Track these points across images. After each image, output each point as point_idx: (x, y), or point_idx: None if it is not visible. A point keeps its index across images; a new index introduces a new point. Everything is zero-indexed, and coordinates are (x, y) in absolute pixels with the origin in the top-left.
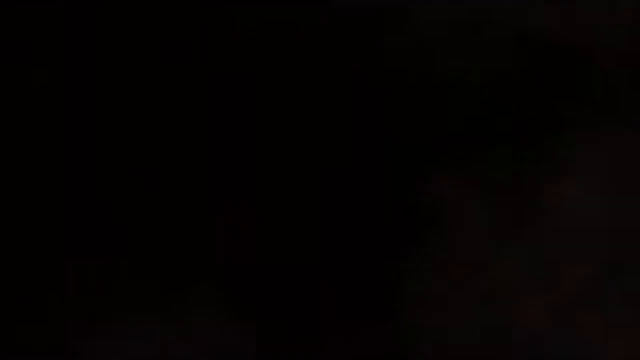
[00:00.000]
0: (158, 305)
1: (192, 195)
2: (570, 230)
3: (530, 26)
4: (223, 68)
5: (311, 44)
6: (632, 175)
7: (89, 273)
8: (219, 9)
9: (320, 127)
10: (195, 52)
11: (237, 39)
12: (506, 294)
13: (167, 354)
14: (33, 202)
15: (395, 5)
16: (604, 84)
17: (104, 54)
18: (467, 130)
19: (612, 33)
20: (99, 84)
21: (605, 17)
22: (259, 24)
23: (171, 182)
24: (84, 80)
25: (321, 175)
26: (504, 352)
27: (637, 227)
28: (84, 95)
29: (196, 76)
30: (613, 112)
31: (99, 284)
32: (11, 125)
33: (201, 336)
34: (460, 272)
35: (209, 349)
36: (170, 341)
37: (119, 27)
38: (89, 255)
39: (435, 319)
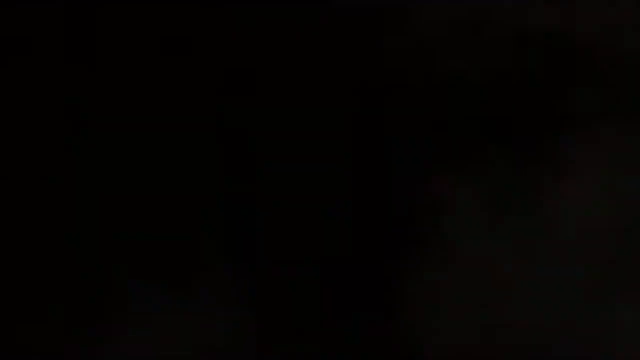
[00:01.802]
0: (157, 305)
1: (191, 195)
2: (570, 230)
3: (530, 26)
4: (223, 68)
5: (311, 44)
6: (632, 175)
7: (89, 273)
8: (219, 9)
9: (320, 127)
10: (196, 52)
11: (237, 39)
12: (506, 293)
13: (167, 354)
14: (33, 202)
15: (395, 5)
16: (604, 84)
17: (104, 54)
18: (467, 130)
19: (612, 33)
20: (98, 84)
21: (605, 17)
22: (259, 24)
23: (171, 182)
24: (84, 80)
25: (321, 174)
26: (504, 352)
27: (637, 227)
28: (84, 94)
29: (197, 76)
30: (613, 112)
31: (99, 284)
32: (11, 125)
33: (201, 335)
34: (460, 272)
35: (208, 348)
36: (170, 341)
37: (119, 27)
38: (89, 255)
39: (435, 319)
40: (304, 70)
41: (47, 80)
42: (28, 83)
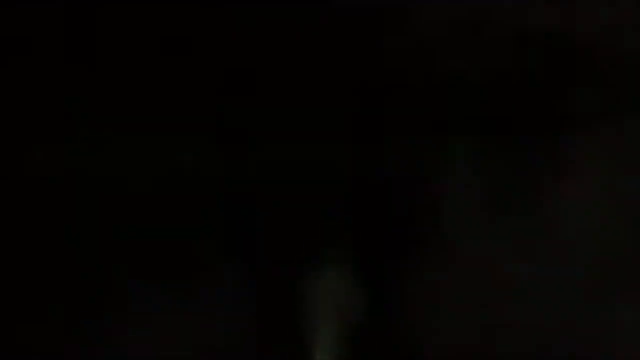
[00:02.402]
0: (157, 305)
1: (191, 196)
2: (570, 230)
3: (530, 26)
4: (223, 68)
5: (311, 44)
6: (632, 175)
7: (89, 273)
8: (219, 9)
9: (320, 126)
10: (196, 52)
11: (237, 39)
12: (506, 293)
13: (167, 354)
14: (33, 202)
15: (395, 5)
16: (604, 84)
17: (104, 54)
18: (467, 130)
19: (612, 33)
20: (99, 84)
21: (605, 17)
22: (259, 24)
23: (171, 182)
24: (84, 79)
25: (321, 174)
26: (504, 352)
27: (637, 227)
28: (84, 94)
29: (197, 75)
30: (613, 112)
31: (99, 284)
32: (11, 125)
33: (201, 335)
34: (460, 272)
35: (208, 348)
36: (170, 341)
37: (120, 27)
38: (89, 255)
39: (435, 319)
40: (304, 70)
41: (47, 80)
42: (28, 83)
